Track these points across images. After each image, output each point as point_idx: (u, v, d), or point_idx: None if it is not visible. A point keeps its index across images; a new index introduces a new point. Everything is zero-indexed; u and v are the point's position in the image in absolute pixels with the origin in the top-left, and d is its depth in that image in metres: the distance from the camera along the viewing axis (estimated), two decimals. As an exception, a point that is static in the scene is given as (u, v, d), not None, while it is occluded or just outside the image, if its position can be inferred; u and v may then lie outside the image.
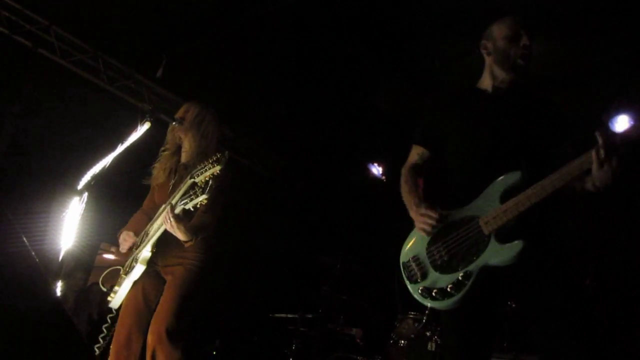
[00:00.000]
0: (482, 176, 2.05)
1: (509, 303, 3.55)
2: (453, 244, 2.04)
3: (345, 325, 5.52)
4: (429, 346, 4.34)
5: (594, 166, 1.79)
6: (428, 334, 4.42)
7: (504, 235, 1.92)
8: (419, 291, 2.08)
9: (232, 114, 5.96)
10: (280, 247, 6.93)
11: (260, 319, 6.17)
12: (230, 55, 5.49)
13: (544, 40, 4.84)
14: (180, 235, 2.73)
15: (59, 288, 2.76)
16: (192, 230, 2.76)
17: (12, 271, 1.32)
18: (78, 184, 2.80)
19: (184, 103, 3.24)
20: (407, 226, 2.27)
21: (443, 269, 2.04)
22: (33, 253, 1.33)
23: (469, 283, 1.93)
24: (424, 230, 2.09)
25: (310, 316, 5.35)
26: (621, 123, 5.32)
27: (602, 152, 1.76)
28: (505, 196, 1.95)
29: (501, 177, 1.99)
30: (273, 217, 7.01)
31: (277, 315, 5.62)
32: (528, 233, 1.90)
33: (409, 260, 2.17)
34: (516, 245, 1.87)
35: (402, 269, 2.20)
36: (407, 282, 2.16)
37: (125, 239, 3.02)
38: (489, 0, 4.53)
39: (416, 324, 4.58)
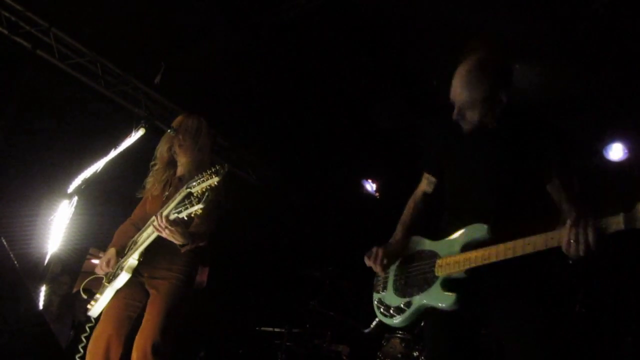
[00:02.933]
0: (458, 216, 2.08)
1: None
2: (412, 271, 2.15)
3: (332, 341, 5.47)
4: (415, 366, 4.30)
5: (566, 250, 1.71)
6: (415, 354, 4.39)
7: (450, 281, 1.99)
8: (375, 301, 2.26)
9: (228, 124, 5.96)
10: (270, 260, 6.88)
11: (246, 332, 6.11)
12: (229, 65, 5.50)
13: (538, 66, 4.88)
14: (178, 238, 2.69)
15: (42, 292, 2.71)
16: (188, 235, 2.73)
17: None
18: (68, 187, 2.77)
19: (180, 110, 3.24)
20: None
21: (397, 290, 2.18)
22: (12, 256, 1.31)
23: (408, 312, 2.07)
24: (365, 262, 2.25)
25: (297, 331, 5.31)
26: (615, 151, 5.36)
27: (572, 245, 1.68)
28: (468, 246, 1.98)
29: (470, 227, 2.00)
30: (264, 230, 6.98)
31: (263, 329, 5.56)
32: (470, 287, 1.94)
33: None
34: (450, 298, 1.94)
35: (375, 275, 2.35)
36: (374, 289, 2.32)
37: (104, 264, 2.96)
38: (488, 20, 4.60)
39: (403, 344, 4.55)
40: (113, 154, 2.81)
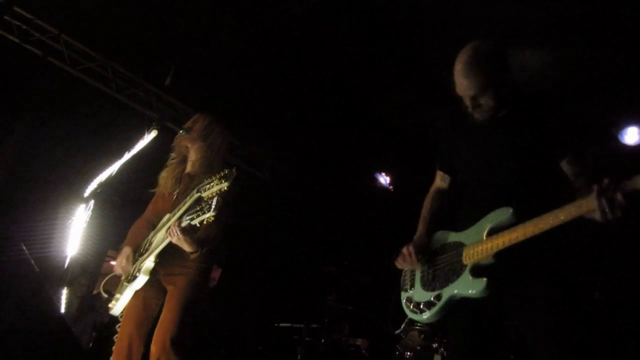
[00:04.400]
0: (479, 204, 2.09)
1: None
2: (440, 265, 2.15)
3: (351, 335, 5.48)
4: (435, 358, 4.29)
5: (598, 214, 1.71)
6: (435, 345, 4.38)
7: (479, 268, 1.98)
8: (404, 300, 2.26)
9: (239, 122, 5.98)
10: (287, 256, 6.91)
11: (265, 328, 6.14)
12: (239, 63, 5.51)
13: (553, 50, 4.82)
14: (186, 247, 2.74)
15: (64, 295, 2.76)
16: (197, 243, 2.76)
17: (11, 280, 1.32)
18: (84, 191, 2.82)
19: (192, 111, 3.25)
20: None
21: (426, 285, 2.18)
22: (33, 262, 1.34)
23: (438, 305, 2.06)
24: (397, 260, 2.25)
25: (315, 326, 5.32)
26: (631, 135, 5.28)
27: (604, 206, 1.68)
28: (493, 232, 1.97)
29: (493, 212, 2.01)
30: (279, 226, 7.00)
31: (282, 324, 5.59)
32: (510, 269, 1.94)
33: (406, 269, 2.33)
34: (481, 283, 1.93)
35: (400, 274, 2.36)
36: (401, 289, 2.32)
37: (122, 262, 2.99)
38: (501, 11, 4.56)
39: (422, 336, 4.54)
40: (127, 156, 2.85)
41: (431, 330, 4.47)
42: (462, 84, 2.07)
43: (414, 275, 2.26)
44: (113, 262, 5.93)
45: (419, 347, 4.49)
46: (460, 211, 2.24)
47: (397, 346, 4.68)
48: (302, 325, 5.33)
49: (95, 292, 5.21)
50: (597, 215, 1.71)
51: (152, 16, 4.92)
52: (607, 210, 1.68)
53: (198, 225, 2.58)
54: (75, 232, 2.71)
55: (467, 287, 1.97)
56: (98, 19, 5.02)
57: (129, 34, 5.15)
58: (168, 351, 2.67)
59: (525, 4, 4.45)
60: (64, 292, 2.76)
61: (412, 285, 2.24)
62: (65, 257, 2.68)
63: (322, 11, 4.81)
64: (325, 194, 7.43)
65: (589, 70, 5.10)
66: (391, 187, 7.13)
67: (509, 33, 4.69)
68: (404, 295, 2.27)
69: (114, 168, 2.80)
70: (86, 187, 2.81)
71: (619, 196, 1.67)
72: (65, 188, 4.28)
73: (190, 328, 2.81)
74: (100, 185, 2.77)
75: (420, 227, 2.32)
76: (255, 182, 6.84)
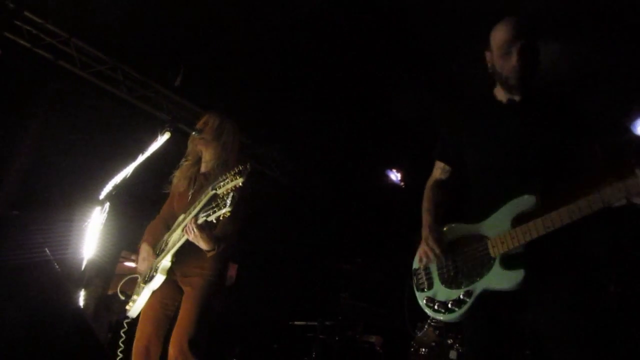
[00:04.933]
0: (498, 192, 1.98)
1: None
2: (461, 260, 2.04)
3: (365, 332, 5.49)
4: (450, 354, 4.28)
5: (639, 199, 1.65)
6: (450, 341, 4.37)
7: (509, 259, 1.89)
8: (424, 300, 2.13)
9: (251, 121, 5.99)
10: (300, 255, 6.92)
11: (280, 326, 6.16)
12: (249, 63, 5.52)
13: (566, 41, 4.78)
14: (203, 245, 2.74)
15: (81, 297, 2.79)
16: (214, 240, 2.77)
17: (35, 281, 1.34)
18: (100, 194, 2.84)
19: (203, 111, 3.26)
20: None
21: (448, 282, 2.06)
22: (55, 263, 1.35)
23: (470, 302, 1.95)
24: (420, 258, 2.12)
25: (329, 323, 5.33)
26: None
27: None
28: (517, 220, 1.89)
29: (516, 200, 1.91)
30: (292, 225, 7.02)
31: (296, 322, 5.60)
32: (535, 261, 1.85)
33: (419, 268, 2.20)
34: (517, 274, 1.84)
35: (412, 275, 2.23)
36: (415, 289, 2.20)
37: (145, 258, 3.02)
38: (510, 4, 4.53)
39: (437, 332, 4.54)
40: (141, 158, 2.87)
41: (446, 326, 4.46)
42: (516, 32, 1.98)
43: (430, 273, 2.15)
44: (127, 263, 6.00)
45: (433, 344, 4.49)
46: (473, 201, 2.13)
47: (412, 342, 4.68)
48: (316, 323, 5.34)
49: (110, 292, 5.26)
50: (636, 199, 1.64)
51: (161, 17, 4.94)
52: None
53: (215, 221, 2.59)
54: (91, 234, 2.73)
55: (501, 280, 1.88)
56: (107, 22, 5.04)
57: (138, 36, 5.18)
58: (186, 353, 2.68)
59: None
60: (82, 294, 2.79)
61: (431, 285, 2.12)
62: (82, 259, 2.70)
63: (332, 8, 4.81)
64: (337, 191, 7.44)
65: (600, 61, 5.06)
66: (402, 183, 7.12)
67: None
68: (422, 296, 2.14)
69: (128, 170, 2.82)
70: (101, 190, 2.84)
71: None
72: (80, 191, 4.32)
73: (207, 329, 2.82)
74: (115, 187, 2.79)
75: (429, 218, 2.19)
76: (266, 180, 6.86)
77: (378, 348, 5.43)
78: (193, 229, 2.66)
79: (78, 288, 2.70)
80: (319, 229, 7.28)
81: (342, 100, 6.10)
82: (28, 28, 5.04)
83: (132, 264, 6.45)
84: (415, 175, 7.08)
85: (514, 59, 1.97)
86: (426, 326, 4.65)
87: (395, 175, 7.12)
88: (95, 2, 4.80)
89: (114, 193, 2.80)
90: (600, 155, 1.94)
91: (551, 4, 4.43)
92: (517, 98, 2.06)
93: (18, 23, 4.98)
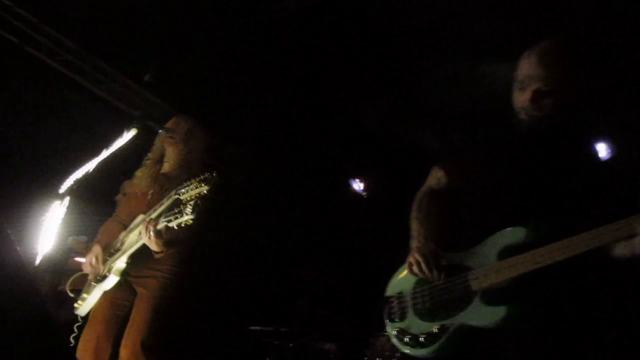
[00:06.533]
0: (488, 223, 1.84)
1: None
2: (439, 291, 1.89)
3: (321, 339, 5.50)
4: (404, 365, 4.33)
5: (634, 242, 1.52)
6: (406, 351, 4.41)
7: (491, 295, 1.74)
8: (395, 332, 1.98)
9: (217, 122, 5.95)
10: (258, 259, 6.89)
11: (234, 330, 6.12)
12: (219, 64, 5.50)
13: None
14: (154, 247, 2.70)
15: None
16: (166, 244, 2.73)
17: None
18: (60, 187, 2.77)
19: (170, 109, 3.24)
20: (385, 244, 2.20)
21: (422, 315, 1.91)
22: (19, 249, 1.34)
23: (443, 338, 1.80)
24: (410, 266, 1.94)
25: (285, 330, 5.33)
26: (600, 151, 5.45)
27: None
28: (505, 253, 1.75)
29: (505, 230, 1.78)
30: (251, 228, 6.98)
31: (252, 327, 5.58)
32: (518, 298, 1.70)
33: (392, 296, 2.06)
34: (498, 311, 1.70)
35: (384, 302, 2.09)
36: (386, 318, 2.05)
37: (91, 262, 2.95)
38: (478, 24, 4.66)
39: (391, 342, 4.58)
40: (105, 153, 2.80)
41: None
42: (537, 71, 1.80)
43: (404, 303, 1.98)
44: (78, 259, 5.83)
45: (387, 353, 4.54)
46: (462, 226, 2.00)
47: (367, 351, 4.72)
48: (272, 329, 5.33)
49: (60, 288, 5.11)
50: (635, 244, 1.52)
51: (134, 10, 4.87)
52: None
53: (176, 227, 2.56)
54: (48, 228, 2.66)
55: (481, 316, 1.73)
56: (79, 11, 4.94)
57: (110, 28, 5.08)
58: (139, 355, 2.64)
59: (501, 20, 4.58)
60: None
61: (404, 315, 1.96)
62: (36, 253, 2.62)
63: (303, 18, 4.85)
64: (300, 196, 7.45)
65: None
66: (365, 193, 7.20)
67: (488, 46, 4.82)
68: (393, 326, 1.98)
69: (91, 165, 2.76)
70: (62, 183, 2.77)
71: None
72: (39, 183, 4.20)
73: (167, 334, 2.78)
74: (77, 181, 2.73)
75: (420, 228, 2.02)
76: (229, 182, 6.81)
77: (332, 356, 5.46)
78: (149, 232, 2.62)
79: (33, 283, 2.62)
80: (279, 234, 7.27)
81: (310, 107, 6.14)
82: (-6, 10, 4.88)
83: (84, 259, 6.28)
84: (379, 187, 7.17)
85: (526, 98, 1.84)
86: (381, 336, 4.70)
87: (358, 185, 7.19)
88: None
89: (75, 187, 2.74)
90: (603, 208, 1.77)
91: (515, 29, 4.58)
92: (533, 122, 1.89)
93: (-17, 5, 4.83)
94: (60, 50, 5.25)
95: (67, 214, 2.80)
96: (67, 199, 2.70)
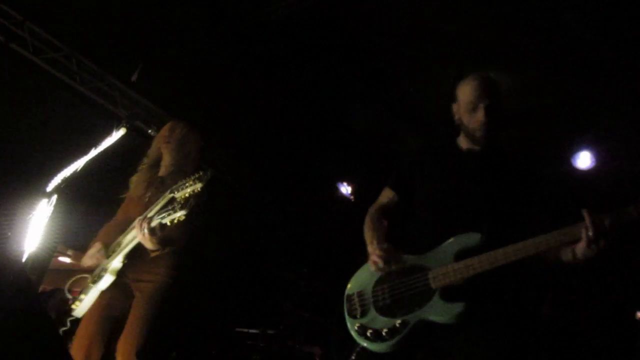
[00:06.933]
0: (444, 228, 2.04)
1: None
2: (399, 289, 2.03)
3: (306, 342, 5.51)
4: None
5: (583, 244, 1.75)
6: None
7: (449, 293, 1.92)
8: (356, 328, 2.06)
9: (205, 123, 5.93)
10: (245, 261, 6.88)
11: (220, 332, 6.09)
12: (206, 65, 5.50)
13: (509, 75, 5.02)
14: (149, 245, 2.70)
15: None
16: (161, 242, 2.73)
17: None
18: (47, 186, 2.74)
19: (156, 109, 3.25)
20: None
21: (383, 311, 2.03)
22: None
23: (404, 332, 1.93)
24: (375, 264, 2.05)
25: (271, 332, 5.33)
26: (583, 159, 5.54)
27: (591, 233, 1.72)
28: (461, 255, 1.94)
29: (461, 235, 1.98)
30: (239, 230, 6.97)
31: (237, 329, 5.56)
32: (474, 295, 1.89)
33: (353, 294, 2.16)
34: (456, 307, 1.87)
35: (344, 301, 2.18)
36: (347, 316, 2.14)
37: (93, 255, 2.94)
38: (464, 30, 4.73)
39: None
40: (93, 153, 2.78)
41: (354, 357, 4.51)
42: (483, 92, 2.12)
43: (365, 300, 2.10)
44: (62, 258, 5.75)
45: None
46: (415, 235, 2.18)
47: (352, 356, 4.73)
48: (257, 331, 5.32)
49: (51, 289, 5.04)
50: (580, 247, 1.76)
51: (122, 10, 4.85)
52: (592, 238, 1.71)
53: (169, 224, 2.58)
54: (34, 227, 2.62)
55: (440, 312, 1.89)
56: (66, 9, 4.90)
57: (97, 27, 5.05)
58: None
59: (485, 28, 4.65)
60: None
61: (365, 312, 2.07)
62: (23, 252, 2.59)
63: (292, 20, 4.88)
64: (287, 199, 7.45)
65: (544, 95, 5.35)
66: (352, 197, 7.22)
67: (472, 54, 4.88)
68: (354, 322, 2.08)
69: (79, 164, 2.73)
70: (49, 182, 2.74)
71: (606, 223, 1.70)
72: (25, 181, 4.15)
73: (160, 339, 2.77)
74: (64, 180, 2.70)
75: (374, 235, 2.19)
76: (217, 184, 6.78)
77: (317, 359, 5.46)
78: (144, 228, 2.62)
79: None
80: (267, 236, 7.26)
81: (298, 110, 6.16)
82: (-21, 7, 4.83)
83: (66, 259, 6.20)
84: (366, 190, 7.20)
85: (480, 115, 2.11)
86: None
87: (345, 188, 7.21)
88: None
89: (62, 186, 2.71)
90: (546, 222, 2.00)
91: (499, 37, 4.67)
92: (477, 148, 2.20)
93: (-32, 1, 4.77)
94: (45, 48, 5.20)
95: (54, 212, 2.78)
96: (54, 198, 2.68)
